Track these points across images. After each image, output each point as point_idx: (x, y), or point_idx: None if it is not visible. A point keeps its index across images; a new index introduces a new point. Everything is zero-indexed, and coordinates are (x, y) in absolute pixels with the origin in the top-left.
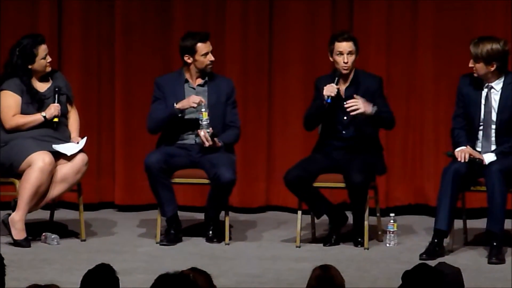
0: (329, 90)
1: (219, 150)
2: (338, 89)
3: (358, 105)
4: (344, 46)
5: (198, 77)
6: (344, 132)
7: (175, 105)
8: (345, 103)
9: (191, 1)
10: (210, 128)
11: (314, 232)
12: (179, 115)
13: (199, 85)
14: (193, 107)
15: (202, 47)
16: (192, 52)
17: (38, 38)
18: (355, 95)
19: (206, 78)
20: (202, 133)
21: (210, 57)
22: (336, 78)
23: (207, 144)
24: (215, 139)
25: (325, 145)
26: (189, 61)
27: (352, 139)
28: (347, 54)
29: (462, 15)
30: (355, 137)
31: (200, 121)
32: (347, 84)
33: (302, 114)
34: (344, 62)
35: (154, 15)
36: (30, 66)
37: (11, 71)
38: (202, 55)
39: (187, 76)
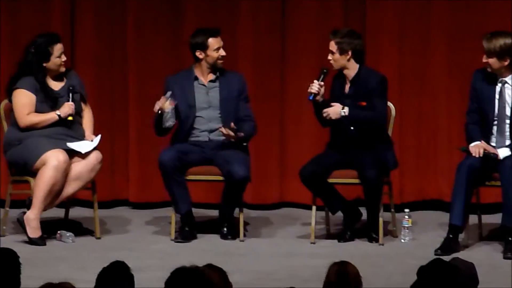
0: (310, 87)
1: (239, 143)
2: (321, 86)
3: (329, 113)
4: (330, 44)
5: (209, 73)
6: (352, 128)
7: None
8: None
9: None
10: (232, 123)
11: (328, 228)
12: (160, 112)
13: (210, 81)
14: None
15: (213, 42)
16: (204, 47)
17: (54, 37)
18: (331, 103)
19: (218, 74)
20: (224, 131)
21: (222, 52)
22: (322, 75)
23: (231, 138)
24: (236, 132)
25: (336, 140)
26: (201, 56)
27: (360, 135)
28: (330, 53)
29: (475, 10)
30: (361, 134)
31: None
32: (349, 83)
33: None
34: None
35: (166, 12)
36: (44, 64)
37: (26, 69)
38: (214, 50)
39: (197, 73)
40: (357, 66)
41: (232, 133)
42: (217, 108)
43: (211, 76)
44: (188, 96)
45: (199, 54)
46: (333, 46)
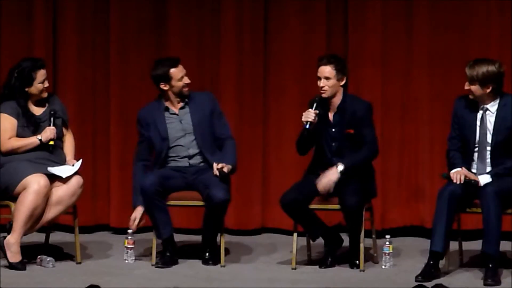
0: (306, 115)
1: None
2: (317, 114)
3: (326, 183)
4: (321, 70)
5: (178, 101)
6: (334, 158)
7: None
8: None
9: (186, 21)
10: (218, 165)
11: (309, 254)
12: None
13: (181, 108)
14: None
15: (176, 72)
16: (167, 79)
17: (38, 62)
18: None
19: (186, 100)
20: (216, 172)
21: (186, 80)
22: (315, 104)
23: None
24: (223, 169)
25: (317, 167)
26: (166, 88)
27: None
28: (324, 78)
29: (457, 36)
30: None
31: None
32: (334, 110)
33: (297, 136)
34: (320, 86)
35: (149, 37)
36: (26, 89)
37: (8, 93)
38: (178, 79)
39: (167, 103)
40: (342, 92)
41: (221, 173)
42: (192, 134)
43: (181, 104)
44: (161, 129)
45: (163, 86)
46: (330, 72)
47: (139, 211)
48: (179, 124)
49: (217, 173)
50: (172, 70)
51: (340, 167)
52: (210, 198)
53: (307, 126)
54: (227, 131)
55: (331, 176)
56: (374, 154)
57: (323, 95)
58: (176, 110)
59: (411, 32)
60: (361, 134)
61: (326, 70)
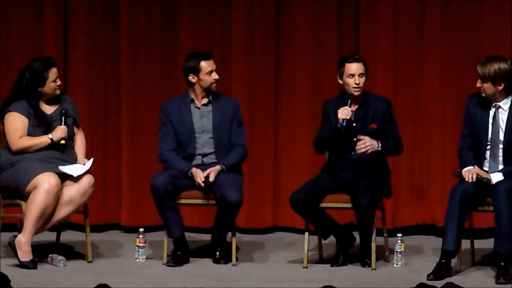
0: (344, 113)
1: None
2: (352, 111)
3: (367, 145)
4: (355, 67)
5: (203, 97)
6: (353, 153)
7: (191, 171)
8: (356, 143)
9: (197, 23)
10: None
11: (321, 253)
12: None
13: (203, 104)
14: (200, 184)
15: (206, 65)
16: (196, 71)
17: (48, 61)
18: (360, 136)
19: (210, 97)
20: (198, 180)
21: (215, 76)
22: (349, 101)
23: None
24: (210, 174)
25: (333, 165)
26: (194, 80)
27: (360, 160)
28: (358, 75)
29: (469, 35)
30: (364, 159)
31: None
32: (356, 106)
33: (308, 135)
34: (356, 84)
35: (160, 37)
36: (39, 89)
37: (20, 93)
38: (206, 73)
39: (193, 96)
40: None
41: (202, 184)
42: (210, 133)
43: (205, 100)
44: (187, 120)
45: (191, 78)
46: (363, 68)
47: (197, 171)
48: (199, 120)
49: (202, 184)
50: (203, 63)
51: (380, 144)
52: (224, 199)
53: (344, 124)
54: (242, 140)
55: (373, 142)
56: (401, 148)
57: (356, 93)
58: (199, 105)
59: (422, 31)
60: (385, 130)
61: (360, 67)
